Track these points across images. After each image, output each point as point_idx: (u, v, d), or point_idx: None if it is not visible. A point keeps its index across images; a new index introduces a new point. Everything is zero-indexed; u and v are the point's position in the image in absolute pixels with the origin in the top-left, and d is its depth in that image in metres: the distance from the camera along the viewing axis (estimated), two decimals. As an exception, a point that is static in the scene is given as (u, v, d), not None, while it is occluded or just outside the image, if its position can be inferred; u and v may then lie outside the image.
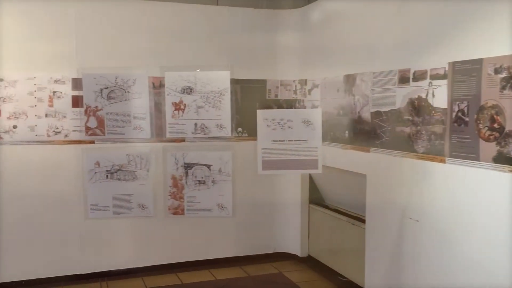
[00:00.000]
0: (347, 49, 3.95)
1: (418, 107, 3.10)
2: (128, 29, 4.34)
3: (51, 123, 4.17)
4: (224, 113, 3.13)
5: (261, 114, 3.11)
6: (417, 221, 3.14)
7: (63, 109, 4.18)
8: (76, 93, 4.17)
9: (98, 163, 3.12)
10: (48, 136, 4.17)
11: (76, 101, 4.18)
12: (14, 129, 4.08)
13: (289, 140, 3.11)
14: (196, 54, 4.50)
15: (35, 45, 4.08)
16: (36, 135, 4.14)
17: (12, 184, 4.10)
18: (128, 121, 3.09)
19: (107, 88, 3.07)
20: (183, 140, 3.60)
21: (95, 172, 3.11)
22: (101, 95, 3.07)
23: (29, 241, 4.17)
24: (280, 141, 3.10)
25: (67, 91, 4.18)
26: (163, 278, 4.43)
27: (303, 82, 4.71)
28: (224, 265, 4.73)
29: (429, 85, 3.01)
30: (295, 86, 4.83)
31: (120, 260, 4.47)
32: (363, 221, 3.89)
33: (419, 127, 3.10)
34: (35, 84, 4.11)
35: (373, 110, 3.57)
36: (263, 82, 4.81)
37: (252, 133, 4.57)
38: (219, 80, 3.12)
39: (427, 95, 3.03)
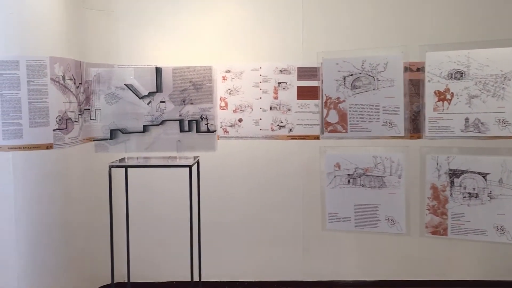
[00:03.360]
0: None
1: None
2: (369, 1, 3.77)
3: (275, 116, 3.88)
4: (509, 104, 2.31)
5: None
6: None
7: (288, 101, 3.86)
8: (301, 83, 3.82)
9: (338, 165, 2.62)
10: (272, 130, 3.89)
11: (302, 93, 3.83)
12: (239, 123, 3.89)
13: None
14: (461, 26, 3.64)
15: (261, 33, 3.87)
16: (260, 129, 3.89)
17: (237, 181, 3.96)
18: (376, 115, 2.51)
19: (352, 75, 2.54)
20: (438, 139, 2.89)
21: (335, 176, 2.62)
22: (344, 84, 2.55)
23: (252, 241, 3.98)
24: None
25: (292, 81, 3.85)
26: (394, 297, 3.82)
27: None
28: (468, 289, 3.90)
29: None
30: None
31: (346, 271, 3.99)
32: None
33: None
34: (260, 75, 3.86)
35: None
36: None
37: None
38: (503, 59, 2.31)
39: None
